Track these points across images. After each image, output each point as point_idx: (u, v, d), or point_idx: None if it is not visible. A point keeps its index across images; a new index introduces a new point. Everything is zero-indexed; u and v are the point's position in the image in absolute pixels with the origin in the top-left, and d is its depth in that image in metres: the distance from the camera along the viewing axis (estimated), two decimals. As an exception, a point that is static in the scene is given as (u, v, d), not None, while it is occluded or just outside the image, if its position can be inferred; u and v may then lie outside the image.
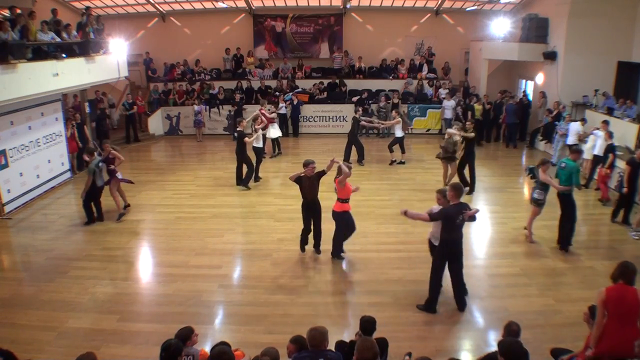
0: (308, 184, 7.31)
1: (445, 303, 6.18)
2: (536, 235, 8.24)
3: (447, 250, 5.96)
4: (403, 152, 12.82)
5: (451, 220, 5.80)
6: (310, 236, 7.63)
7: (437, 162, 11.08)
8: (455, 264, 6.03)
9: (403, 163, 12.73)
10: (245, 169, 10.91)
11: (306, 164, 7.32)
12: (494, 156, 13.90)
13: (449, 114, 15.61)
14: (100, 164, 8.94)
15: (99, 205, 9.24)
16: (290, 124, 16.24)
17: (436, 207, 6.17)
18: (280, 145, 13.87)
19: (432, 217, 5.88)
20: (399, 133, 12.53)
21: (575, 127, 11.82)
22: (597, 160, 10.71)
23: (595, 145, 10.71)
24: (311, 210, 7.44)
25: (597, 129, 10.69)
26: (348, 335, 5.18)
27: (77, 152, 12.40)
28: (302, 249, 7.67)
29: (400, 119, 12.48)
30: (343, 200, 7.18)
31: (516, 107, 14.72)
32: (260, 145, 11.35)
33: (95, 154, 9.12)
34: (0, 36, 8.70)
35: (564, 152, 12.43)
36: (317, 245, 7.68)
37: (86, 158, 9.16)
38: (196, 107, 15.63)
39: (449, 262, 6.00)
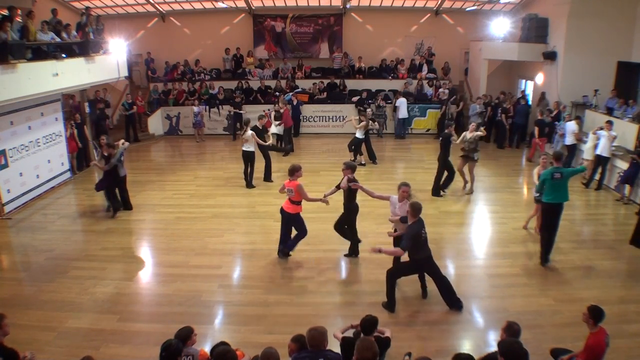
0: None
1: (445, 303, 6.19)
2: (536, 235, 8.23)
3: (421, 267, 6.04)
4: (359, 154, 12.71)
5: (418, 237, 5.79)
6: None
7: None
8: (432, 275, 6.10)
9: (363, 165, 12.57)
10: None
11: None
12: (494, 156, 13.90)
13: (403, 113, 15.72)
14: (122, 156, 9.19)
15: (126, 194, 9.53)
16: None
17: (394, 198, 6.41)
18: (282, 143, 13.88)
19: (404, 248, 5.74)
20: (358, 134, 12.37)
21: (571, 127, 11.81)
22: (599, 160, 10.69)
23: (597, 145, 10.67)
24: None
25: (601, 128, 10.64)
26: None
27: (77, 152, 12.41)
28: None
29: (364, 122, 12.23)
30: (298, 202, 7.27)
31: (527, 109, 14.70)
32: (252, 149, 10.89)
33: (121, 143, 9.37)
34: (0, 36, 8.70)
35: (564, 152, 12.45)
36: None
37: (105, 153, 9.19)
38: (195, 109, 15.60)
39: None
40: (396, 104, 15.77)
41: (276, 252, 7.71)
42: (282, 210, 7.37)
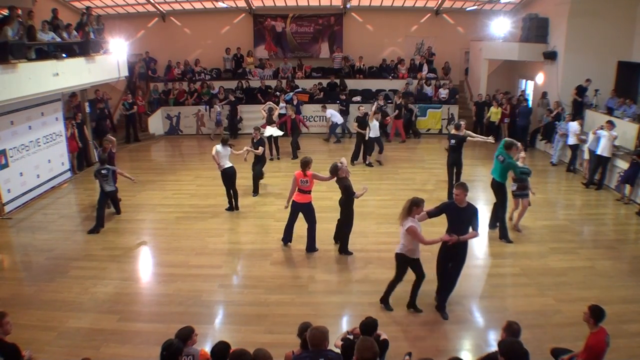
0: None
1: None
2: (536, 235, 8.24)
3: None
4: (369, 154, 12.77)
5: None
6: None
7: (438, 162, 11.07)
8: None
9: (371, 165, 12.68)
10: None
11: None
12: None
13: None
14: (103, 171, 8.70)
15: (115, 202, 9.36)
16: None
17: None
18: (279, 149, 13.77)
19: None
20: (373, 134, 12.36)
21: (573, 127, 11.80)
22: (600, 160, 10.66)
23: (598, 145, 10.65)
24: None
25: (601, 127, 10.61)
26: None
27: (77, 152, 12.41)
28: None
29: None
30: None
31: (529, 110, 14.60)
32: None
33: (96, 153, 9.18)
34: (7, 32, 8.67)
35: (564, 152, 12.46)
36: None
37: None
38: (218, 108, 15.64)
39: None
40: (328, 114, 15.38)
41: (276, 252, 7.74)
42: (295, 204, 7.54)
